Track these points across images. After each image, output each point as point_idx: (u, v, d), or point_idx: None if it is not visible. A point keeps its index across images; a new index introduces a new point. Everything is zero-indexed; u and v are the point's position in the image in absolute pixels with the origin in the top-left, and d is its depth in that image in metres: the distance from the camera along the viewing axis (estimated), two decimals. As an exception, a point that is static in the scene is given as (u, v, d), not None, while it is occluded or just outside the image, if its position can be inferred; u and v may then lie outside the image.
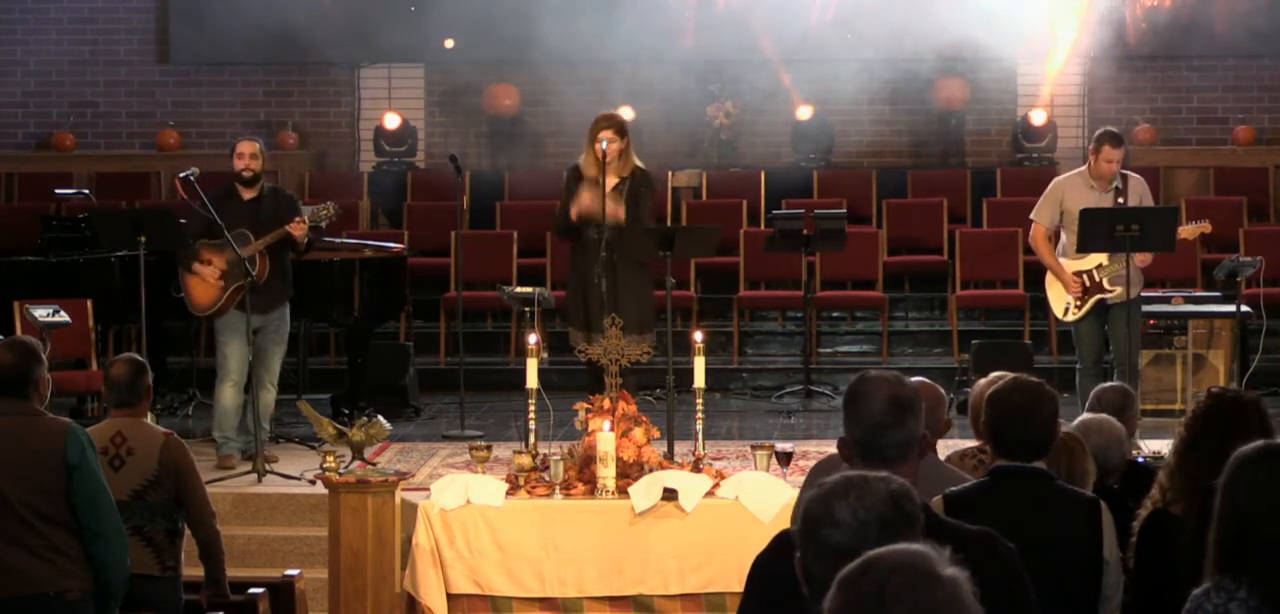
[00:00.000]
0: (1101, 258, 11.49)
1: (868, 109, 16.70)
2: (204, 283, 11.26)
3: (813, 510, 3.44)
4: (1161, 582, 5.42)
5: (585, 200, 11.15)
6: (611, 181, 11.14)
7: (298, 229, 11.13)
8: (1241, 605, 4.29)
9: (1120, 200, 11.52)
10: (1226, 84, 16.69)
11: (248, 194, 11.24)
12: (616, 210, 11.09)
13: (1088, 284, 11.55)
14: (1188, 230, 11.88)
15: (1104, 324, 11.62)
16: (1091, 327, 11.63)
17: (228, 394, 11.30)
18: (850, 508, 3.41)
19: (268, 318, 11.20)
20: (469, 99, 17.00)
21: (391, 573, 9.09)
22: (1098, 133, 11.77)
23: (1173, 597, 5.43)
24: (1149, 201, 11.75)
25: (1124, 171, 11.68)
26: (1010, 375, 5.81)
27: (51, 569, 6.58)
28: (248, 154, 11.27)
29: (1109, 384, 7.50)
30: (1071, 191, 11.61)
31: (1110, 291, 11.50)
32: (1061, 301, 11.67)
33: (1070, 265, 11.56)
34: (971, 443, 7.06)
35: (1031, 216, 11.84)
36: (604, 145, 11.00)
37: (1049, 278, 11.74)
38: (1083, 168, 11.78)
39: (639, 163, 11.40)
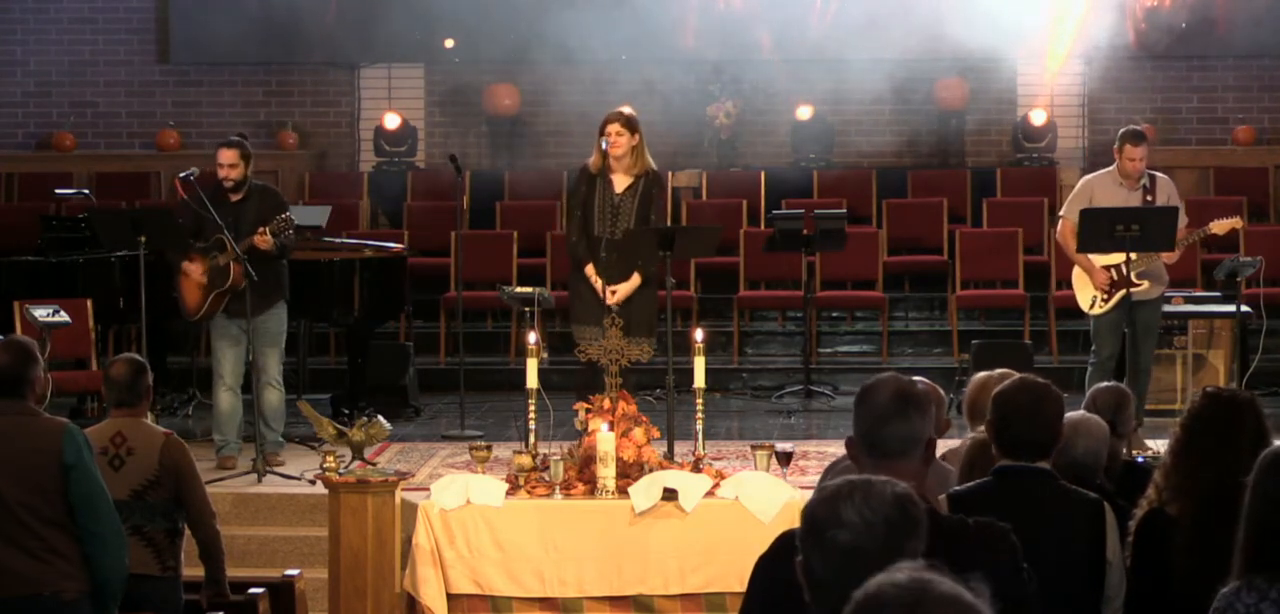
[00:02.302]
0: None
1: (867, 109, 16.69)
2: (191, 287, 11.25)
3: (818, 513, 3.43)
4: (1157, 581, 5.43)
5: (597, 284, 11.03)
6: (625, 181, 11.06)
7: (261, 241, 11.07)
8: (1273, 605, 4.27)
9: (1149, 199, 11.56)
10: (1226, 84, 16.69)
11: (233, 198, 11.19)
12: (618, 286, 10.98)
13: (1116, 278, 11.56)
14: (1220, 225, 11.92)
15: (1125, 321, 11.62)
16: (1114, 321, 11.63)
17: (223, 398, 11.29)
18: (856, 509, 3.40)
19: (256, 320, 11.11)
20: (469, 99, 17.00)
21: (391, 573, 9.09)
22: (1120, 131, 11.81)
23: (1168, 596, 5.44)
24: (1176, 202, 11.76)
25: (1152, 172, 11.71)
26: (1012, 373, 5.81)
27: (48, 570, 6.56)
28: (227, 163, 11.18)
29: (1106, 384, 7.50)
30: (1100, 189, 11.64)
31: (1139, 286, 11.52)
32: (1088, 294, 11.68)
33: (1099, 259, 11.58)
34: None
35: (1060, 213, 11.89)
36: (605, 144, 10.95)
37: (1076, 272, 11.76)
38: (1112, 166, 11.79)
39: (651, 163, 11.25)
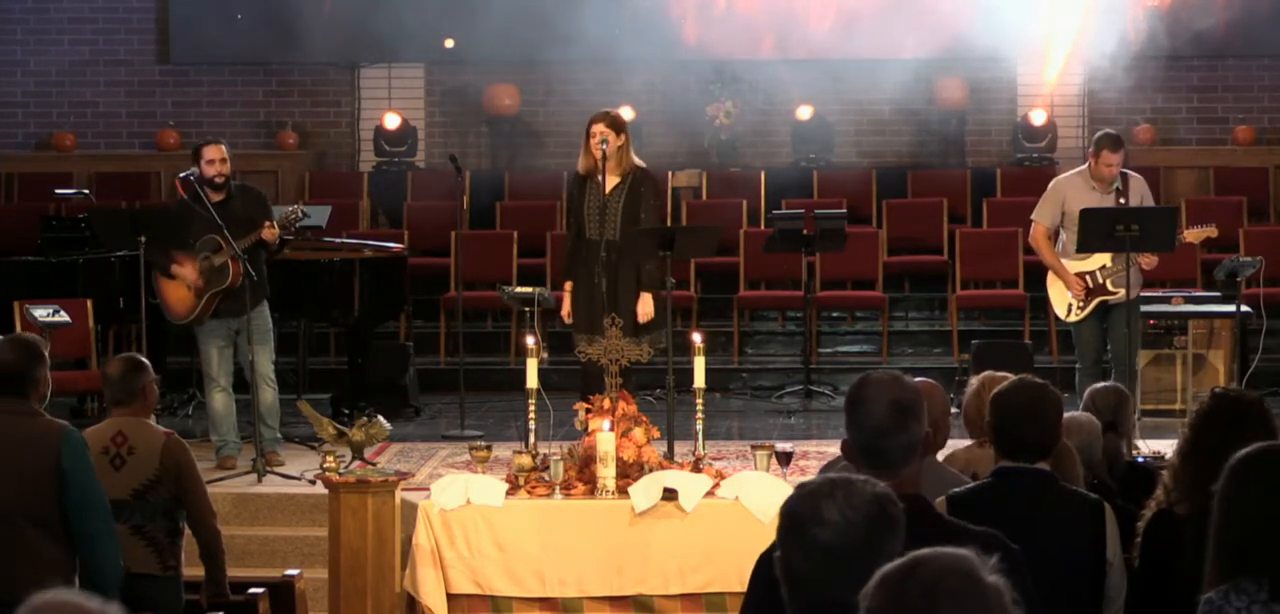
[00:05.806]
0: (1105, 259, 11.47)
1: (867, 109, 16.69)
2: (179, 290, 11.17)
3: (799, 509, 3.46)
4: (1166, 582, 5.42)
5: (566, 310, 11.08)
6: (613, 181, 11.04)
7: (269, 234, 11.02)
8: (1264, 608, 4.27)
9: (1121, 200, 11.51)
10: (1226, 84, 16.69)
11: (216, 197, 11.04)
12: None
13: (1091, 285, 11.53)
14: (1193, 234, 11.83)
15: (1104, 324, 11.61)
16: (1092, 327, 11.61)
17: (217, 399, 11.25)
18: (838, 507, 3.43)
19: (244, 320, 11.03)
20: (469, 99, 17.00)
21: (391, 573, 9.09)
22: (1097, 136, 11.76)
23: (1177, 597, 5.43)
24: (1149, 201, 11.73)
25: (1124, 171, 11.67)
26: (1006, 375, 5.81)
27: (21, 574, 6.35)
28: (217, 159, 11.04)
29: (1104, 384, 7.51)
30: (1072, 192, 11.59)
31: (1114, 293, 11.49)
32: (1063, 302, 11.65)
33: (1073, 266, 11.54)
34: (962, 443, 7.03)
35: (1032, 217, 11.82)
36: (604, 146, 10.91)
37: (1051, 278, 11.71)
38: (1083, 167, 11.77)
39: (639, 161, 11.25)
